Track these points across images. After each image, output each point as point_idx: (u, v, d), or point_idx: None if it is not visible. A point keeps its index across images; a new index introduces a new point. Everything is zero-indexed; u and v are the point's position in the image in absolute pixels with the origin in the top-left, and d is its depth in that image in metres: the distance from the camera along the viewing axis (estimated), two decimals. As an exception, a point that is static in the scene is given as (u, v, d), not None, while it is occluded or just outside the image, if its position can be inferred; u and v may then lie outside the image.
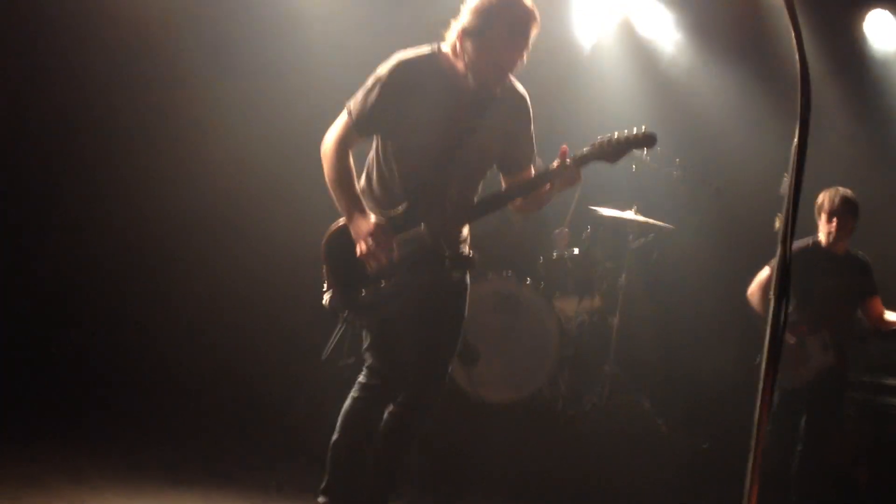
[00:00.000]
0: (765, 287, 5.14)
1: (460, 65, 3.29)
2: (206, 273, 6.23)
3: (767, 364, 2.06)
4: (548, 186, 3.38)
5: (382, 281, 3.32)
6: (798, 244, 5.07)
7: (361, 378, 3.52)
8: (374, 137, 3.45)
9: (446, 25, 3.32)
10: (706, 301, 6.98)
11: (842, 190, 5.12)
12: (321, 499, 3.57)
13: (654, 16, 7.35)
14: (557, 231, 6.49)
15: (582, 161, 3.30)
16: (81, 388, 5.32)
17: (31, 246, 5.98)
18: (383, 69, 3.34)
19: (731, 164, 7.08)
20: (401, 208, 3.34)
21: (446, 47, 3.35)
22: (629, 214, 6.23)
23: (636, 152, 3.40)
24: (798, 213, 2.08)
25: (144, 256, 6.23)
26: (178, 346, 5.93)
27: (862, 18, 7.18)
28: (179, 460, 4.50)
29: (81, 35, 5.93)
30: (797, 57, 2.06)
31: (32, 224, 6.00)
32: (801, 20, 2.10)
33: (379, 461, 3.49)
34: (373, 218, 3.29)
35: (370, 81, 3.35)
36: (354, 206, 3.30)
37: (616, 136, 3.28)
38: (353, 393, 3.52)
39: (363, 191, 3.45)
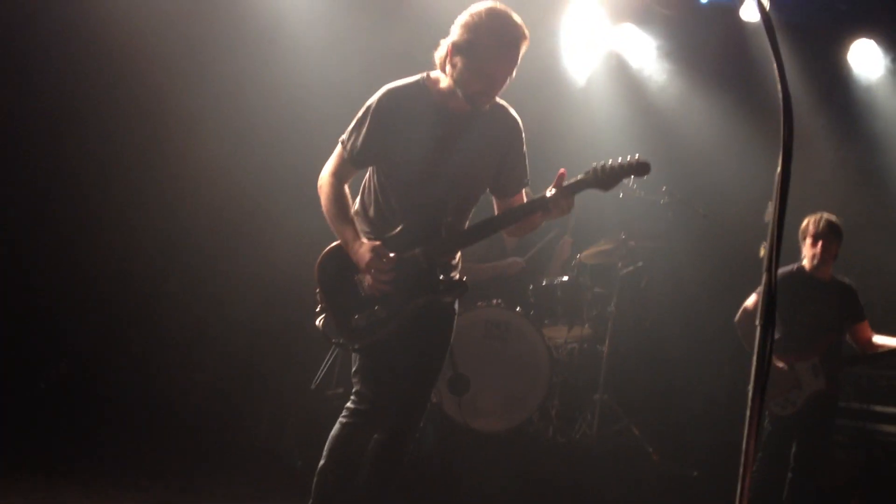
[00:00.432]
0: (752, 314, 5.16)
1: (449, 85, 3.32)
2: (197, 299, 6.23)
3: (754, 391, 2.07)
4: (540, 214, 3.39)
5: (376, 305, 3.32)
6: (783, 270, 5.11)
7: (350, 403, 3.51)
8: None
9: (436, 47, 3.36)
10: (695, 328, 6.99)
11: (826, 214, 5.18)
12: (308, 525, 3.54)
13: (640, 46, 7.43)
14: (562, 241, 6.51)
15: (575, 188, 3.31)
16: (70, 412, 5.31)
17: (25, 258, 5.96)
18: (372, 99, 3.38)
19: (717, 192, 7.13)
20: (395, 232, 3.35)
21: (435, 73, 3.39)
22: (618, 243, 6.27)
23: (624, 180, 3.41)
24: (783, 241, 2.10)
25: (136, 280, 6.23)
26: (168, 373, 5.92)
27: (847, 48, 7.27)
28: (165, 486, 4.47)
29: (79, 44, 5.96)
30: (779, 87, 2.09)
31: (26, 236, 5.99)
32: (786, 50, 2.13)
33: (366, 488, 3.46)
34: (370, 245, 3.30)
35: (361, 113, 3.39)
36: (354, 238, 3.32)
37: (610, 164, 3.30)
38: (341, 418, 3.50)
39: (357, 213, 3.47)
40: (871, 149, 7.35)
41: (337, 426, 3.51)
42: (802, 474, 5.05)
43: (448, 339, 3.53)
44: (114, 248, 6.18)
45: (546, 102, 6.92)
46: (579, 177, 3.33)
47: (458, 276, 3.49)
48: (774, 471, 5.03)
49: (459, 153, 3.38)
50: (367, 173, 3.52)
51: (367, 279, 3.28)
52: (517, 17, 3.27)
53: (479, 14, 3.24)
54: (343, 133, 3.43)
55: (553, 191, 3.31)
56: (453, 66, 3.28)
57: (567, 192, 3.31)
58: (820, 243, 5.12)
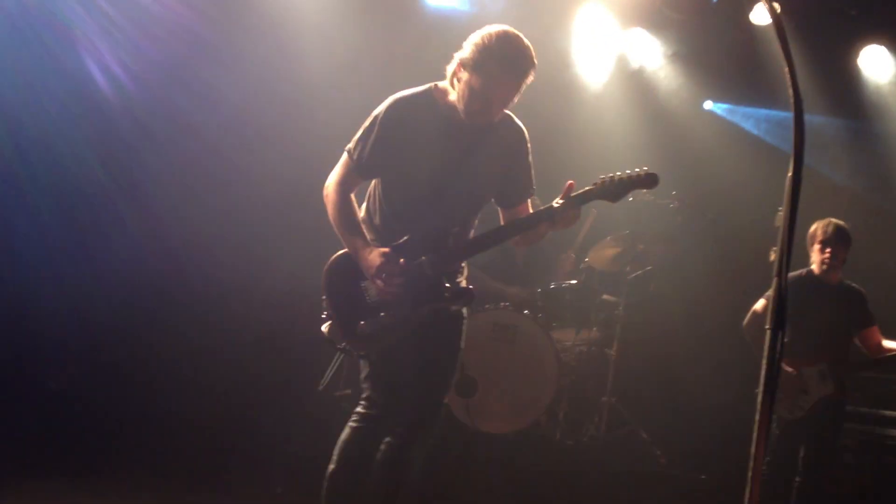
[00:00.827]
0: (760, 318, 5.16)
1: (454, 96, 3.34)
2: (205, 301, 6.25)
3: (764, 395, 2.07)
4: (546, 224, 3.40)
5: (382, 313, 3.33)
6: (792, 275, 5.09)
7: (359, 408, 3.51)
8: None
9: (448, 59, 3.37)
10: (703, 332, 6.99)
11: (834, 220, 5.17)
12: (317, 530, 3.55)
13: (650, 50, 7.42)
14: (563, 256, 6.51)
15: (583, 200, 3.33)
16: (77, 414, 5.32)
17: (32, 260, 5.98)
18: (380, 109, 3.39)
19: (727, 196, 7.12)
20: (401, 241, 3.36)
21: (443, 83, 3.40)
22: (626, 246, 6.26)
23: (632, 192, 3.42)
24: (793, 246, 2.10)
25: (145, 283, 6.24)
26: (175, 375, 5.93)
27: (857, 53, 7.26)
28: (173, 488, 4.48)
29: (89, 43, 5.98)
30: (791, 92, 2.10)
31: (34, 239, 6.01)
32: (796, 55, 2.13)
33: (376, 492, 3.47)
34: (379, 251, 3.31)
35: (368, 123, 3.40)
36: (364, 245, 3.34)
37: (618, 176, 3.31)
38: (350, 423, 3.51)
39: (362, 220, 3.48)
40: (882, 153, 7.34)
41: (347, 430, 3.51)
42: (810, 479, 5.03)
43: (458, 344, 3.53)
44: (123, 250, 6.19)
45: (556, 107, 6.93)
46: (587, 188, 3.34)
47: (464, 284, 3.50)
48: (782, 475, 5.02)
49: (466, 165, 3.40)
50: (372, 182, 3.53)
51: (377, 284, 3.29)
52: (527, 44, 3.26)
53: (490, 37, 3.24)
54: (349, 142, 3.44)
55: (560, 202, 3.32)
56: (458, 80, 3.30)
57: (574, 203, 3.32)
58: (829, 250, 5.12)
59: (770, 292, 5.59)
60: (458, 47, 3.32)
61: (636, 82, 7.55)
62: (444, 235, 3.39)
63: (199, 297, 6.25)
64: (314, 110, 6.26)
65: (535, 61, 3.26)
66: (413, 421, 3.44)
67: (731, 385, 6.46)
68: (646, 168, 3.32)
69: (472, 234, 3.56)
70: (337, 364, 5.66)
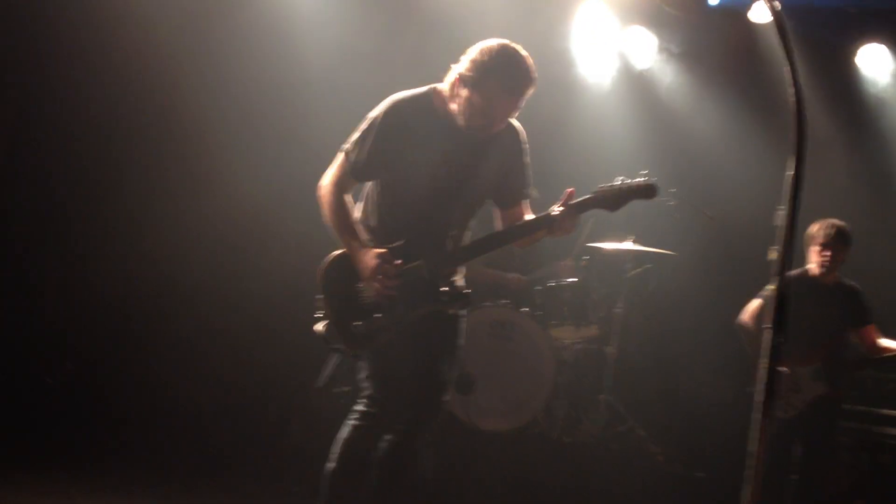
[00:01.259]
0: (755, 318, 5.16)
1: (454, 105, 3.33)
2: (203, 298, 6.24)
3: (764, 394, 2.07)
4: (544, 231, 3.39)
5: (377, 314, 3.33)
6: (788, 274, 5.08)
7: (359, 406, 3.51)
8: None
9: (445, 66, 3.36)
10: (702, 330, 6.98)
11: (835, 221, 5.16)
12: (316, 527, 3.55)
13: (649, 48, 7.42)
14: (561, 263, 6.50)
15: (582, 208, 3.32)
16: (72, 410, 5.32)
17: (32, 257, 5.98)
18: (378, 111, 3.38)
19: (726, 194, 7.12)
20: (398, 244, 3.35)
21: (442, 85, 3.39)
22: (627, 244, 6.26)
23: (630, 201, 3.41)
24: (794, 245, 2.10)
25: (143, 280, 6.23)
26: (173, 371, 5.92)
27: (855, 52, 7.25)
28: (171, 485, 4.48)
29: (87, 45, 5.96)
30: (792, 90, 2.09)
31: (34, 235, 6.00)
32: (795, 54, 2.13)
33: (376, 490, 3.46)
34: (375, 252, 3.30)
35: (364, 125, 3.39)
36: (360, 247, 3.33)
37: (617, 186, 3.30)
38: (350, 420, 3.51)
39: (359, 222, 3.47)
40: (880, 152, 7.34)
41: (346, 428, 3.51)
42: (806, 477, 5.05)
43: (456, 343, 3.53)
44: (122, 247, 6.19)
45: (556, 105, 6.91)
46: (586, 196, 3.33)
47: (460, 286, 3.49)
48: (776, 473, 5.02)
49: (464, 168, 3.39)
50: (369, 183, 3.51)
51: (374, 285, 3.28)
52: (526, 59, 3.25)
53: (488, 53, 3.23)
54: (345, 141, 3.42)
55: (559, 209, 3.31)
56: (458, 95, 3.29)
57: (573, 211, 3.31)
58: (829, 252, 5.11)
59: (765, 291, 5.61)
60: (457, 47, 3.31)
61: (635, 80, 7.54)
62: (441, 239, 3.38)
63: (196, 292, 6.24)
64: (310, 106, 6.25)
65: (535, 76, 3.26)
66: (414, 419, 3.43)
67: (728, 383, 6.46)
68: (645, 176, 3.31)
69: (468, 234, 3.55)
70: (336, 360, 5.69)
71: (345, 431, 3.50)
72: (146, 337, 6.08)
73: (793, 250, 2.11)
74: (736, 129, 7.20)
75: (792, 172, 2.08)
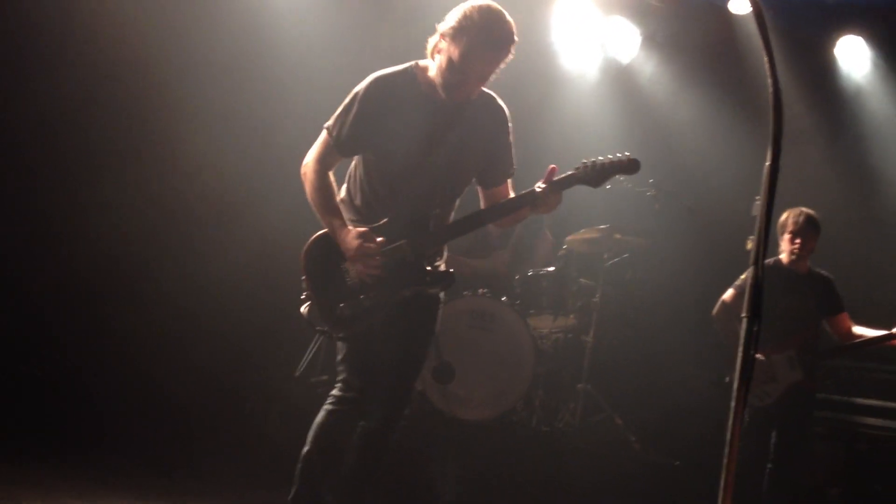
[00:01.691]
0: (729, 308, 5.20)
1: (433, 69, 3.32)
2: (183, 287, 6.21)
3: (740, 383, 2.09)
4: (527, 208, 3.40)
5: (362, 295, 3.32)
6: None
7: (335, 391, 3.50)
8: None
9: (424, 58, 3.37)
10: (680, 320, 7.02)
11: (805, 210, 5.21)
12: (289, 509, 3.55)
13: (630, 38, 7.43)
14: (540, 236, 6.52)
15: (565, 185, 3.33)
16: (57, 401, 5.28)
17: (11, 249, 5.92)
18: (360, 86, 3.37)
19: (704, 184, 7.15)
20: (382, 223, 3.34)
21: (424, 61, 3.39)
22: (604, 233, 6.28)
23: (613, 177, 3.42)
24: (770, 235, 2.11)
25: (122, 269, 6.20)
26: (153, 358, 5.89)
27: (833, 44, 7.29)
28: (153, 473, 4.47)
29: (70, 39, 5.92)
30: (770, 81, 2.10)
31: (13, 228, 5.95)
32: (773, 45, 2.14)
33: (351, 475, 3.47)
34: (357, 231, 3.29)
35: (347, 101, 3.38)
36: (342, 226, 3.31)
37: (600, 161, 3.31)
38: (326, 405, 3.50)
39: (342, 201, 3.46)
40: (857, 144, 7.39)
41: (322, 413, 3.50)
42: (782, 466, 5.09)
43: (432, 330, 3.54)
44: (101, 237, 6.14)
45: (536, 94, 6.93)
46: (569, 173, 3.34)
47: (444, 267, 3.50)
48: (753, 461, 5.07)
49: (447, 144, 3.38)
50: (354, 161, 3.50)
51: (357, 266, 3.28)
52: (509, 20, 3.26)
53: (473, 9, 3.23)
54: (328, 120, 3.42)
55: (542, 186, 3.32)
56: (439, 52, 3.29)
57: (556, 188, 3.32)
58: (799, 240, 5.16)
59: (739, 282, 5.65)
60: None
61: (615, 69, 7.56)
62: (424, 218, 3.37)
63: (178, 282, 6.21)
64: (292, 92, 6.23)
65: (516, 37, 3.26)
66: (388, 404, 3.43)
67: (705, 372, 6.50)
68: (628, 153, 3.32)
69: (452, 217, 3.55)
70: (314, 349, 5.68)
71: (321, 416, 3.50)
72: (123, 328, 6.04)
73: (769, 240, 2.12)
74: (715, 119, 7.23)
75: (769, 163, 2.09)
